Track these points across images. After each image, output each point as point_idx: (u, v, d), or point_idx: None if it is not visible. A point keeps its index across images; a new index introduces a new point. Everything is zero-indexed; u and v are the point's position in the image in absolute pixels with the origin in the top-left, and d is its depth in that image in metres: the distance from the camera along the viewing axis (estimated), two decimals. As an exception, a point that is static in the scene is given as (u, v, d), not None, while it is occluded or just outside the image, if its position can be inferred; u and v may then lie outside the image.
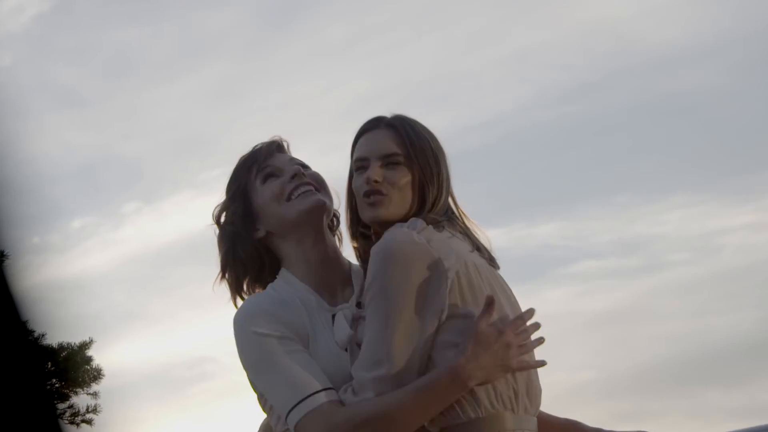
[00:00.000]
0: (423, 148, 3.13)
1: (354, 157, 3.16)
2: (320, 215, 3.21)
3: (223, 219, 3.29)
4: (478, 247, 3.11)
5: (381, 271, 2.94)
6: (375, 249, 2.99)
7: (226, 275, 3.25)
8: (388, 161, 3.11)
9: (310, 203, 3.20)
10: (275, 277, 3.24)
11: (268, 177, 3.25)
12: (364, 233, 3.17)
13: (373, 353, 2.94)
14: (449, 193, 3.16)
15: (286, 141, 3.35)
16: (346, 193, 3.19)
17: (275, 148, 3.31)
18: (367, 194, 3.10)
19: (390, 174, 3.10)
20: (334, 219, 3.32)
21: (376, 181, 3.09)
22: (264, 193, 3.24)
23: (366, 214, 3.12)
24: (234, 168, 3.32)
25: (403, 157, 3.12)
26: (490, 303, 2.94)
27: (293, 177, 3.23)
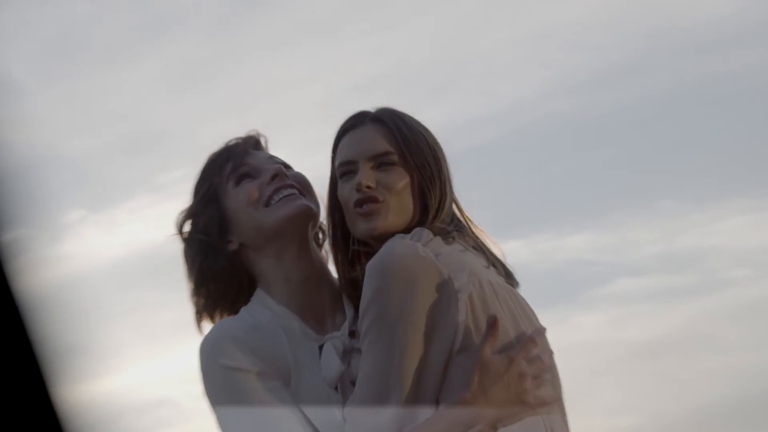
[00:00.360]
0: (419, 145, 2.67)
1: (337, 162, 2.69)
2: (305, 223, 2.75)
3: (188, 228, 2.82)
4: (493, 263, 2.60)
5: (380, 291, 2.45)
6: (372, 264, 2.49)
7: (202, 292, 2.77)
8: (381, 161, 2.63)
9: (293, 209, 2.73)
10: (248, 300, 2.77)
11: (242, 178, 2.80)
12: (354, 255, 2.70)
13: (372, 393, 2.45)
14: (452, 197, 2.67)
15: (263, 136, 2.91)
16: (327, 206, 2.73)
17: (252, 144, 2.86)
18: (360, 203, 2.63)
19: (384, 177, 2.63)
20: (320, 231, 2.85)
21: (368, 187, 2.62)
22: (238, 197, 2.77)
23: (359, 228, 2.64)
24: (202, 167, 2.85)
25: (397, 156, 2.65)
26: (492, 324, 2.47)
27: (273, 178, 2.77)
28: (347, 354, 2.64)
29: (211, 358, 2.58)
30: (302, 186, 2.79)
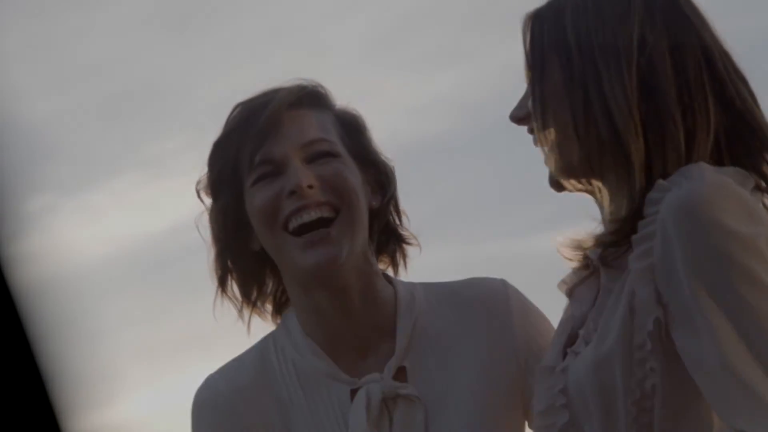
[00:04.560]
0: None
1: None
2: (329, 276, 2.10)
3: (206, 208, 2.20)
4: None
5: (712, 240, 1.84)
6: (679, 202, 1.85)
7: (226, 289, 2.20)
8: None
9: (314, 261, 2.08)
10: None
11: (261, 178, 2.11)
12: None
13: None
14: None
15: (316, 88, 2.17)
16: None
17: (284, 108, 2.12)
18: None
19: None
20: (391, 214, 2.21)
21: None
22: (252, 202, 2.12)
23: None
24: (222, 131, 2.16)
25: None
26: None
27: (291, 195, 2.08)
28: (388, 403, 2.09)
29: (193, 425, 2.19)
30: (339, 193, 2.11)
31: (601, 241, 1.92)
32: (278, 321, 2.21)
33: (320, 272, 2.06)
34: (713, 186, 1.85)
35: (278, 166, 2.09)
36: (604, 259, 1.93)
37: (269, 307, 2.21)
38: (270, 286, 2.19)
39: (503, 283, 2.20)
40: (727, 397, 1.81)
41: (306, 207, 2.06)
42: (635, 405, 1.84)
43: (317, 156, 2.10)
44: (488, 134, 4.86)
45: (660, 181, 1.87)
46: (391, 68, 4.93)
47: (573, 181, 1.97)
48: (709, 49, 1.93)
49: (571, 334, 1.98)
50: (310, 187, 2.06)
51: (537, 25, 1.96)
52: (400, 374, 2.12)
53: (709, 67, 1.93)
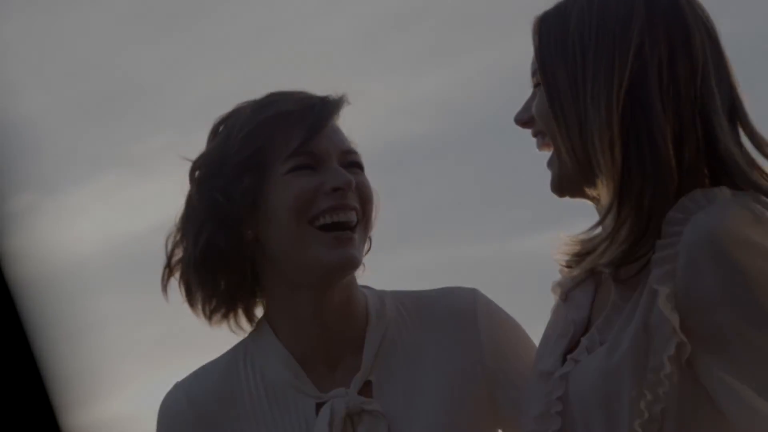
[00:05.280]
0: None
1: None
2: (343, 276, 2.15)
3: (204, 185, 2.18)
4: None
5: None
6: (709, 228, 1.83)
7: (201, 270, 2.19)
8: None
9: (338, 260, 2.13)
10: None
11: (300, 167, 2.14)
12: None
13: None
14: None
15: (345, 99, 2.21)
16: None
17: (329, 113, 2.18)
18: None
19: None
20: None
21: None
22: (284, 190, 2.14)
23: None
24: (249, 111, 2.17)
25: None
26: None
27: (336, 190, 2.13)
28: (353, 418, 2.11)
29: None
30: (364, 204, 2.17)
31: (613, 262, 1.89)
32: (246, 324, 2.21)
33: (341, 271, 2.11)
34: (741, 213, 1.83)
35: (318, 161, 2.13)
36: (617, 275, 1.91)
37: (243, 306, 2.20)
38: (249, 281, 2.18)
39: (473, 294, 2.20)
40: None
41: (343, 207, 2.11)
42: (642, 426, 1.82)
43: (351, 164, 2.16)
44: (472, 135, 4.86)
45: (683, 201, 1.84)
46: (374, 69, 4.93)
47: (571, 192, 1.96)
48: (706, 61, 1.90)
49: (572, 340, 1.97)
50: (353, 193, 2.13)
51: (544, 29, 1.95)
52: (367, 388, 2.14)
53: (704, 81, 1.89)
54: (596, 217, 1.93)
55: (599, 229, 1.94)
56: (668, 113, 1.88)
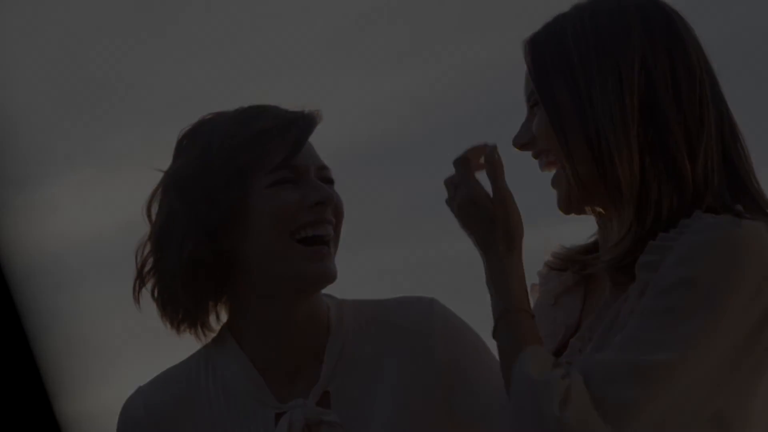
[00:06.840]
0: None
1: None
2: (321, 288, 2.21)
3: (187, 196, 2.19)
4: None
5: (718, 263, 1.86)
6: (717, 229, 1.88)
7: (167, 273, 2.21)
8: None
9: (316, 274, 2.18)
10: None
11: (280, 182, 2.19)
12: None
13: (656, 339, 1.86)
14: None
15: (318, 112, 2.25)
16: None
17: (309, 128, 2.22)
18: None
19: None
20: None
21: None
22: (266, 204, 2.18)
23: None
24: (229, 126, 2.21)
25: None
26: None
27: (316, 205, 2.17)
28: (312, 429, 2.14)
29: None
30: (337, 219, 2.21)
31: (611, 265, 1.92)
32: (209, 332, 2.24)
33: (320, 284, 2.17)
34: (753, 224, 1.86)
35: (299, 175, 2.17)
36: (615, 279, 1.94)
37: (211, 315, 2.22)
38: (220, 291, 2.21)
39: (430, 304, 2.22)
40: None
41: (324, 221, 2.16)
42: None
43: (326, 180, 2.20)
44: (442, 134, 4.88)
45: (698, 213, 1.87)
46: (344, 68, 4.95)
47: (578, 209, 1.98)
48: (702, 72, 1.93)
49: (561, 342, 2.00)
50: (330, 203, 2.17)
51: (537, 50, 1.96)
52: (326, 399, 2.17)
53: (712, 86, 1.93)
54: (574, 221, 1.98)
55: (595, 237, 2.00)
56: (680, 121, 1.91)
